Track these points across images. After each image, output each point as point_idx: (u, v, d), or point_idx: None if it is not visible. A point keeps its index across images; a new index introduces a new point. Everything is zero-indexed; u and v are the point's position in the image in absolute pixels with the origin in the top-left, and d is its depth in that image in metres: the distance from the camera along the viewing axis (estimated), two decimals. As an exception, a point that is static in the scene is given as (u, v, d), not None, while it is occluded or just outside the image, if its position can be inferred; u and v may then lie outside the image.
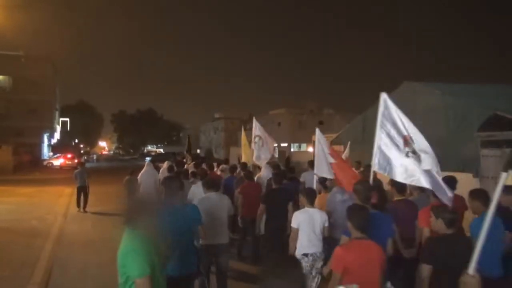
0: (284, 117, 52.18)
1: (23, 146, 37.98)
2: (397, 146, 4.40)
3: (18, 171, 31.18)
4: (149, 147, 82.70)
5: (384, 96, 4.67)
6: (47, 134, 49.64)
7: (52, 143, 52.25)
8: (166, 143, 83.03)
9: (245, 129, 12.23)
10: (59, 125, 56.80)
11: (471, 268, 2.26)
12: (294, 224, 4.71)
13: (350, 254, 3.16)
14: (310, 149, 20.47)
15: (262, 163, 9.39)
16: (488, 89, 11.79)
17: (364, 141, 12.02)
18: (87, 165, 21.41)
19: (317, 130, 6.66)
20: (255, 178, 8.40)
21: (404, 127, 4.36)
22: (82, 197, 13.20)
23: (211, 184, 5.55)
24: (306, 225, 4.67)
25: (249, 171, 8.43)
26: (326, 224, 4.84)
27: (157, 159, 23.10)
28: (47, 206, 14.18)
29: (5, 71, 45.02)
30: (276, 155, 10.21)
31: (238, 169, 9.41)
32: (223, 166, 10.70)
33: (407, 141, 4.29)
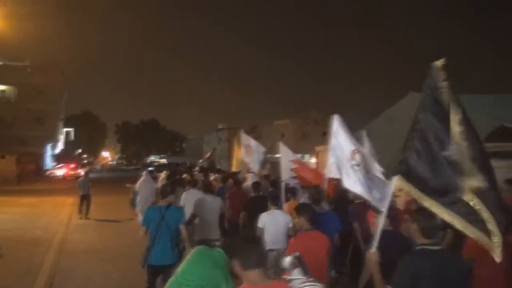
0: (288, 127, 52.21)
1: (26, 155, 38.03)
2: (344, 158, 5.07)
3: (22, 181, 31.24)
4: (153, 158, 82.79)
5: (336, 117, 5.45)
6: (51, 144, 49.85)
7: (55, 153, 52.42)
8: (169, 154, 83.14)
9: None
10: (62, 135, 57.06)
11: (373, 247, 3.17)
12: (260, 224, 5.33)
13: (300, 242, 3.95)
14: (314, 159, 20.49)
15: (256, 169, 10.22)
16: (494, 100, 11.76)
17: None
18: (91, 175, 21.78)
19: (281, 144, 7.68)
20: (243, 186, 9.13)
21: (352, 143, 5.06)
22: (84, 205, 13.69)
23: (207, 188, 7.04)
24: (270, 225, 5.28)
25: (237, 178, 9.24)
26: (290, 225, 5.29)
27: (160, 170, 22.94)
28: (50, 216, 14.17)
29: (11, 81, 45.31)
30: (267, 166, 10.62)
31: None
32: (216, 176, 11.27)
33: (354, 155, 4.91)
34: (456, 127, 2.84)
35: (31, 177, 35.14)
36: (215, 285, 2.87)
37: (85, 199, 13.68)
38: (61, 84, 50.35)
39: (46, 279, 6.84)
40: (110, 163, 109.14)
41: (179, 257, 4.97)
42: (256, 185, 7.63)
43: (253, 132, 63.52)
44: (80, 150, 66.79)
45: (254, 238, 2.46)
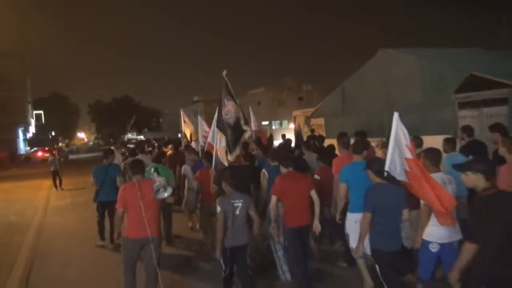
0: (263, 95, 51.88)
1: (-3, 142, 36.88)
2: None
3: (-5, 168, 30.32)
4: (129, 135, 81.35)
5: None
6: (22, 128, 48.35)
7: (27, 137, 50.91)
8: (146, 130, 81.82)
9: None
10: (33, 118, 55.26)
11: (212, 168, 6.16)
12: (182, 173, 8.01)
13: (200, 175, 6.48)
14: (292, 125, 20.63)
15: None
16: (463, 52, 11.82)
17: (344, 112, 11.96)
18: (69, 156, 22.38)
19: (199, 118, 10.27)
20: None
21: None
22: (57, 179, 15.91)
23: (135, 152, 10.65)
24: (187, 173, 7.81)
25: (175, 145, 11.87)
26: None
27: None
28: (26, 201, 13.88)
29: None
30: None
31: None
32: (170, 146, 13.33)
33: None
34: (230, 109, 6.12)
35: (5, 164, 34.13)
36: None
37: (56, 174, 15.86)
38: (23, 68, 48.29)
39: (24, 266, 6.71)
40: (85, 141, 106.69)
41: None
42: (185, 147, 10.78)
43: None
44: (53, 133, 64.99)
45: (138, 161, 4.96)
